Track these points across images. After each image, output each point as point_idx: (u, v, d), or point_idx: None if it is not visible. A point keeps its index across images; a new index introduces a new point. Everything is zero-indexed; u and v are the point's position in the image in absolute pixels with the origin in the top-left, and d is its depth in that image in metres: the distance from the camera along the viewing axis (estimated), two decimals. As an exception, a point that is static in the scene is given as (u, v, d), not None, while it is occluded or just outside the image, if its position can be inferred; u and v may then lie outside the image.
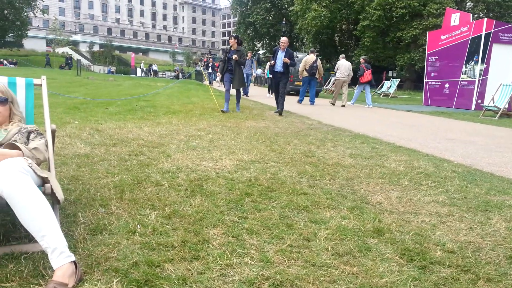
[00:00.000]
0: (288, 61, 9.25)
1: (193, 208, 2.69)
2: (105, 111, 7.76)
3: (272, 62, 9.78)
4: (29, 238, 2.08)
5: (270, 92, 16.96)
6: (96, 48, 66.28)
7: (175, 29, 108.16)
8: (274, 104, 12.35)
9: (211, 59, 30.51)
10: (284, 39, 9.65)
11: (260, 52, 48.24)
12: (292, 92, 17.35)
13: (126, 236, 2.18)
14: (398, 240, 2.34)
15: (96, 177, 3.26)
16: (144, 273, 1.77)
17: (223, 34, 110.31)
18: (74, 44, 64.61)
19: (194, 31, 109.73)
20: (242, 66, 9.47)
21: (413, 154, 5.10)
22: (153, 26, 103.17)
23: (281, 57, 9.44)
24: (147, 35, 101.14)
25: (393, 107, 14.50)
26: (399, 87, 26.49)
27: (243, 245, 2.17)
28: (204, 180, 3.37)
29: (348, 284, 1.82)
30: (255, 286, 1.75)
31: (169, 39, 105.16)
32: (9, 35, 45.86)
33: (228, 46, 9.42)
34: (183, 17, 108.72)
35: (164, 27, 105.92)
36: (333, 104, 13.78)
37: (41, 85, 2.82)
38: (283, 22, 35.77)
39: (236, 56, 8.94)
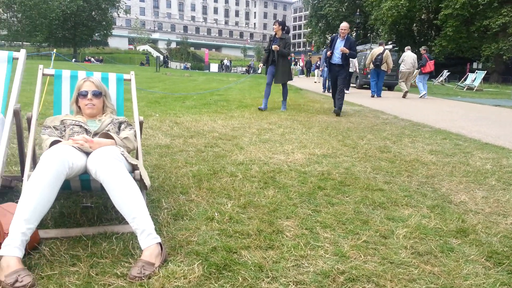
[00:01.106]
0: (347, 51, 7.57)
1: (267, 199, 2.74)
2: (182, 105, 8.15)
3: (329, 52, 7.94)
4: (119, 220, 2.27)
5: (325, 89, 14.31)
6: (173, 45, 69.71)
7: (246, 25, 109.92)
8: (348, 99, 12.08)
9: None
10: (344, 25, 7.92)
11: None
12: (365, 86, 16.79)
13: (205, 222, 2.29)
14: (485, 242, 2.18)
15: (176, 167, 3.45)
16: (222, 258, 1.85)
17: (294, 28, 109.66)
18: (153, 42, 68.58)
19: (265, 26, 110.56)
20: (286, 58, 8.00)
21: (502, 152, 4.69)
22: (226, 23, 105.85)
23: (339, 46, 7.74)
24: (220, 32, 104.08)
25: (478, 101, 13.39)
26: (485, 79, 24.36)
27: (317, 238, 2.17)
28: (276, 173, 3.41)
29: (428, 284, 1.74)
30: (330, 278, 1.75)
31: (241, 34, 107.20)
32: (96, 34, 49.93)
33: (273, 34, 8.03)
34: (254, 12, 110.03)
35: (236, 23, 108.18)
36: (404, 97, 13.31)
37: (130, 80, 3.05)
38: (357, 13, 34.62)
39: (276, 46, 7.64)
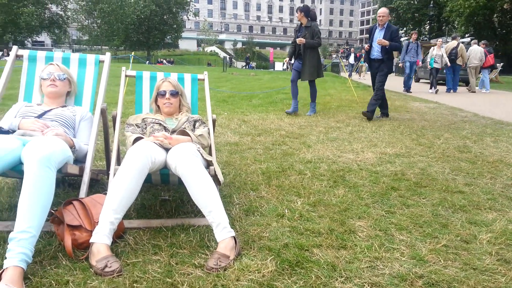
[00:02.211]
0: (386, 43, 6.18)
1: (337, 198, 2.70)
2: (249, 104, 8.29)
3: (367, 46, 6.69)
4: (194, 213, 2.38)
5: (432, 87, 12.65)
6: (239, 45, 71.12)
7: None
8: (420, 95, 11.49)
9: (352, 48, 28.90)
10: (382, 11, 6.53)
11: (402, 40, 45.06)
12: (441, 82, 15.81)
13: (275, 219, 2.32)
14: None
15: (246, 164, 3.52)
16: (295, 255, 1.86)
17: (362, 23, 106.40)
18: (220, 43, 70.48)
19: (331, 22, 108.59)
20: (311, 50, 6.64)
21: None
22: (291, 21, 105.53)
23: (378, 38, 6.38)
24: (285, 30, 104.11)
25: None
26: None
27: (392, 240, 2.10)
28: (346, 172, 3.35)
29: (519, 295, 1.61)
30: (407, 282, 1.68)
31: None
32: (167, 37, 52.48)
33: (298, 23, 6.90)
34: (320, 9, 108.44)
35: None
36: (471, 91, 12.81)
37: (203, 79, 3.18)
38: (431, 5, 32.68)
39: (301, 39, 6.50)
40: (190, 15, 53.21)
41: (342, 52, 52.06)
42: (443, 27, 42.15)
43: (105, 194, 2.17)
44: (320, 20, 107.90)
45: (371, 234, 2.15)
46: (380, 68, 6.47)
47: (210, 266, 1.71)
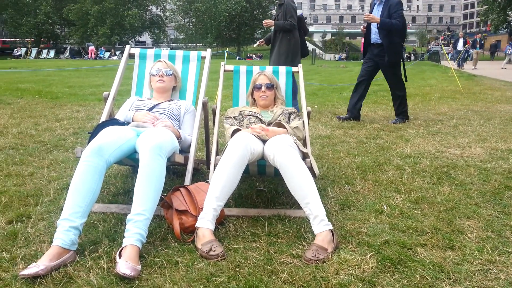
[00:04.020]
0: (375, 19, 4.77)
1: (442, 196, 2.52)
2: (340, 96, 8.10)
3: (362, 27, 5.20)
4: (290, 204, 2.40)
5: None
6: (328, 37, 69.69)
7: (408, 8, 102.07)
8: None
9: (461, 32, 25.74)
10: None
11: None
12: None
13: (374, 214, 2.24)
14: None
15: (339, 157, 3.46)
16: (396, 253, 1.78)
17: (465, 7, 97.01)
18: (309, 35, 69.75)
19: (429, 8, 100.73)
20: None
21: None
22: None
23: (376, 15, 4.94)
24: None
25: None
26: None
27: (507, 243, 1.90)
28: (451, 168, 3.10)
29: None
30: (529, 292, 1.51)
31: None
32: (257, 32, 53.44)
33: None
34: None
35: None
36: None
37: (298, 72, 3.18)
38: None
39: (267, 21, 5.38)
40: (279, 9, 53.53)
41: (443, 39, 48.10)
42: None
43: (207, 182, 2.31)
44: (417, 5, 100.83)
45: (482, 236, 1.97)
46: (383, 58, 4.94)
47: (308, 258, 1.72)
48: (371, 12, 5.06)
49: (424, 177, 2.90)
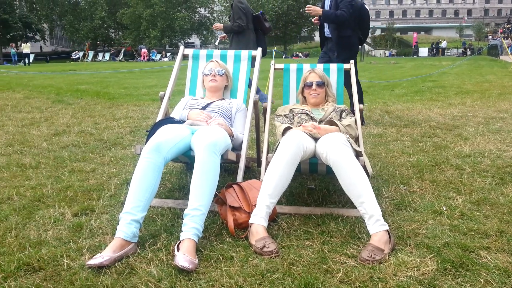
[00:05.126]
0: (316, 10, 4.35)
1: (506, 197, 2.37)
2: (391, 93, 7.84)
3: (315, 19, 4.58)
4: (342, 203, 2.37)
5: None
6: (377, 32, 67.65)
7: (463, 1, 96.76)
8: None
9: None
10: None
11: None
12: None
13: (432, 215, 2.15)
14: None
15: (392, 156, 3.35)
16: (458, 256, 1.70)
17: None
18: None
19: (487, 0, 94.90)
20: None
21: None
22: (438, 1, 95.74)
23: (326, 7, 4.54)
24: (430, 12, 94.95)
25: None
26: None
27: None
28: (516, 168, 2.91)
29: None
30: None
31: (456, 12, 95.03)
32: (303, 30, 53.01)
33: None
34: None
35: (451, 0, 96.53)
36: None
37: (349, 69, 3.13)
38: None
39: (216, 24, 5.52)
40: (326, 6, 52.82)
41: (502, 32, 45.18)
42: None
43: (259, 179, 2.33)
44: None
45: (555, 242, 1.83)
46: (332, 51, 4.52)
47: (364, 258, 1.69)
48: (323, 4, 4.61)
49: (486, 177, 2.74)
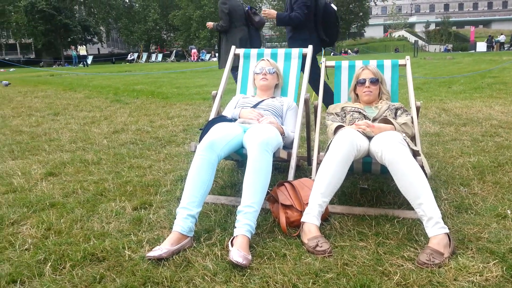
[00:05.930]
0: (272, 13, 4.27)
1: None
2: (448, 90, 7.47)
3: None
4: (397, 204, 2.30)
5: None
6: (431, 27, 64.65)
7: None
8: None
9: None
10: None
11: None
12: None
13: (495, 219, 2.04)
14: None
15: (451, 156, 3.20)
16: (526, 263, 1.60)
17: None
18: (410, 26, 65.52)
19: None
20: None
21: None
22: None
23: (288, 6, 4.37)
24: (489, 4, 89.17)
25: None
26: None
27: None
28: None
29: None
30: None
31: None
32: (353, 26, 51.76)
33: None
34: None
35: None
36: None
37: (405, 65, 3.02)
38: None
39: (209, 23, 5.71)
40: (377, 0, 51.20)
41: None
42: None
43: (310, 178, 2.32)
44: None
45: None
46: None
47: (422, 261, 1.63)
48: (285, 5, 4.41)
49: (557, 180, 2.55)
